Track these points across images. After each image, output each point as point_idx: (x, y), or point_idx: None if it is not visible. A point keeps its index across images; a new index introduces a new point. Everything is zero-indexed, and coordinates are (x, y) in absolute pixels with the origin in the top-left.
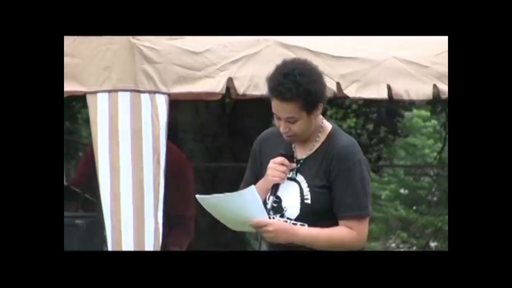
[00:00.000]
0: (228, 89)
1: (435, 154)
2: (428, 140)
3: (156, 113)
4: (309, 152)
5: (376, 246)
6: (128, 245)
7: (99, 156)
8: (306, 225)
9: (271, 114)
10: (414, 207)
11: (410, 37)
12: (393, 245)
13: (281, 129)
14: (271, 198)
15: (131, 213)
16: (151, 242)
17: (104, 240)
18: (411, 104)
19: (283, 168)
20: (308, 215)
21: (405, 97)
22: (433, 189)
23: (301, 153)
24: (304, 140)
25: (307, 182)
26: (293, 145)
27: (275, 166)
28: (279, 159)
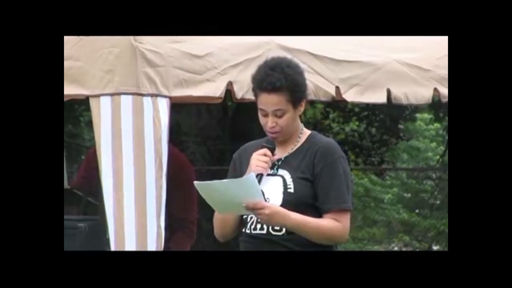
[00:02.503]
0: (229, 92)
1: (437, 157)
2: (431, 143)
3: (157, 116)
4: (290, 151)
5: (379, 249)
6: (130, 248)
7: (102, 159)
8: None
9: None
10: (417, 210)
11: (411, 40)
12: (396, 248)
13: (268, 124)
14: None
15: (133, 216)
16: (153, 245)
17: (106, 243)
18: (414, 108)
19: (266, 159)
20: (290, 205)
21: (404, 101)
22: (436, 193)
23: (281, 153)
24: (286, 140)
25: (290, 174)
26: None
27: (258, 157)
28: (262, 150)
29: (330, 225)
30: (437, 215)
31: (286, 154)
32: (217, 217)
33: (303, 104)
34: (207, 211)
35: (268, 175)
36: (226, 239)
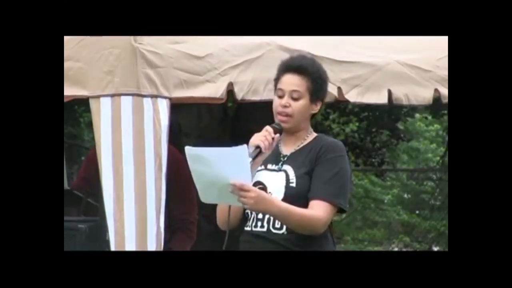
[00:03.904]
0: (230, 93)
1: (437, 158)
2: (431, 144)
3: (158, 117)
4: (297, 148)
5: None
6: (130, 249)
7: (102, 160)
8: None
9: (273, 118)
10: (417, 211)
11: (412, 41)
12: (396, 249)
13: (282, 102)
14: (249, 159)
15: (133, 217)
16: (153, 246)
17: (106, 244)
18: (413, 109)
19: (266, 133)
20: (292, 198)
21: (405, 102)
22: (436, 194)
23: (287, 150)
24: (293, 135)
25: (294, 170)
26: (279, 144)
27: (260, 132)
28: (265, 127)
29: (310, 215)
30: (437, 216)
31: (292, 150)
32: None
33: (319, 105)
34: (207, 212)
35: (273, 170)
36: (230, 227)
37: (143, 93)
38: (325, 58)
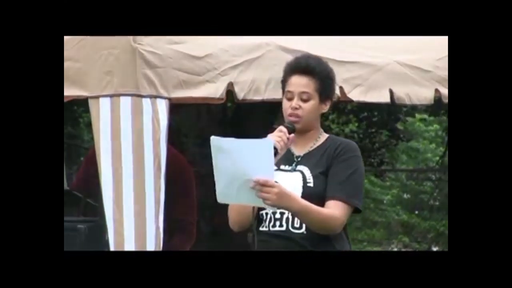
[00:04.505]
0: (230, 93)
1: (437, 158)
2: (430, 144)
3: (157, 118)
4: (309, 149)
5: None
6: (129, 249)
7: (101, 160)
8: None
9: (273, 118)
10: (416, 212)
11: (412, 42)
12: (395, 249)
13: (292, 105)
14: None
15: (132, 218)
16: (152, 247)
17: (106, 245)
18: (413, 109)
19: (280, 134)
20: (309, 198)
21: (407, 101)
22: (435, 194)
23: (299, 151)
24: (305, 135)
25: (310, 169)
26: (290, 147)
27: (273, 133)
28: (278, 128)
29: (328, 214)
30: (437, 216)
31: (305, 151)
32: (232, 206)
33: (328, 104)
34: (206, 213)
35: (287, 171)
36: (242, 228)
37: (142, 93)
38: (325, 58)
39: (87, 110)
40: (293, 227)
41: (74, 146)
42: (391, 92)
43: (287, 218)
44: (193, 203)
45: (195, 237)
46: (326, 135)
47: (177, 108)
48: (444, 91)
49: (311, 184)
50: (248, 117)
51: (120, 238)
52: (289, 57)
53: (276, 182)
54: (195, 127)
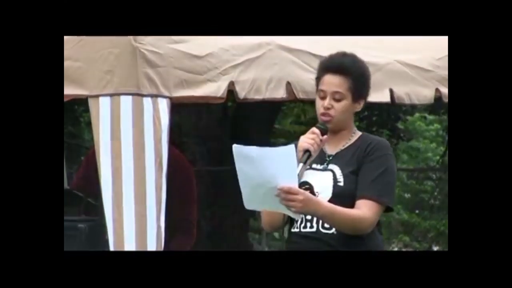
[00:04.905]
0: (230, 92)
1: (437, 157)
2: (431, 143)
3: (158, 117)
4: (341, 148)
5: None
6: (130, 249)
7: (101, 159)
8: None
9: (273, 117)
10: (417, 211)
11: (412, 41)
12: (396, 249)
13: (325, 104)
14: (300, 165)
15: (133, 217)
16: (153, 246)
17: (106, 244)
18: (413, 108)
19: (313, 136)
20: (340, 197)
21: (407, 101)
22: (436, 193)
23: (332, 150)
24: (337, 134)
25: (341, 169)
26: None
27: (306, 135)
28: (311, 129)
29: (357, 215)
30: (437, 216)
31: (337, 150)
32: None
33: (362, 103)
34: (206, 212)
35: (318, 170)
36: (273, 229)
37: (143, 92)
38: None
39: (87, 110)
40: (323, 227)
41: (75, 146)
42: (391, 91)
43: (318, 219)
44: (193, 202)
45: (195, 237)
46: (359, 134)
47: (177, 107)
48: (445, 90)
49: (341, 183)
50: (248, 116)
51: (119, 237)
52: (290, 57)
53: (308, 182)
54: (195, 126)
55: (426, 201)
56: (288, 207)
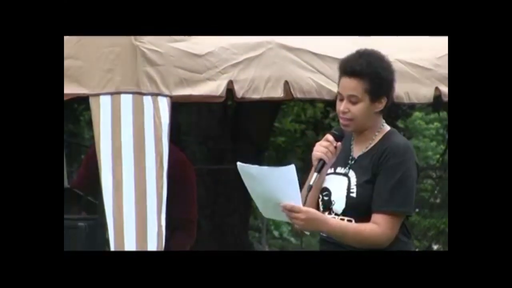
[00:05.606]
0: (230, 91)
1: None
2: (431, 142)
3: (158, 116)
4: (364, 150)
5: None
6: (130, 248)
7: (102, 158)
8: (353, 220)
9: (273, 116)
10: (417, 210)
11: (412, 40)
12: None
13: (341, 109)
14: (315, 174)
15: (133, 216)
16: (153, 245)
17: (106, 243)
18: (413, 107)
19: (326, 144)
20: (352, 209)
21: (407, 100)
22: (436, 192)
23: (357, 151)
24: (361, 135)
25: (357, 177)
26: (351, 144)
27: (320, 142)
28: (325, 136)
29: (369, 230)
30: (437, 215)
31: (360, 152)
32: None
33: (384, 102)
34: (206, 212)
35: (340, 174)
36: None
37: (143, 91)
38: (326, 56)
39: (88, 108)
40: None
41: (75, 144)
42: None
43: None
44: (193, 202)
45: (195, 236)
46: (384, 132)
47: (177, 106)
48: (445, 89)
49: (354, 194)
50: (249, 116)
51: (119, 236)
52: (290, 56)
53: (328, 188)
54: (195, 125)
55: (426, 199)
56: (293, 223)
